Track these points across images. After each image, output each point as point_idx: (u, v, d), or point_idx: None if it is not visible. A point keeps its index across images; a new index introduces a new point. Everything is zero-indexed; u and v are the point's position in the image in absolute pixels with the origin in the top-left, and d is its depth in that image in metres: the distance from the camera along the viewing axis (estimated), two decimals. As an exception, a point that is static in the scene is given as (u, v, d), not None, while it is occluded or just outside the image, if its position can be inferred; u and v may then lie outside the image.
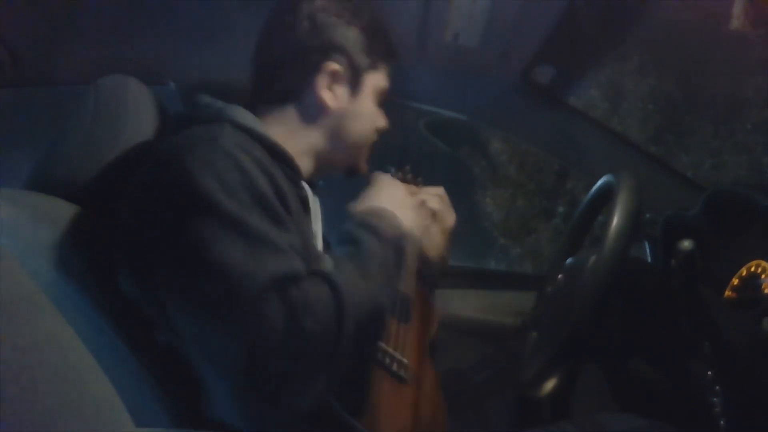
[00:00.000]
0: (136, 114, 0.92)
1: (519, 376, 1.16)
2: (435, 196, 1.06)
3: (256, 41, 0.95)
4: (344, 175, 1.00)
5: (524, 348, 1.23)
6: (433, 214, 1.12)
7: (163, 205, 0.74)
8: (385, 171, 1.07)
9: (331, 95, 0.91)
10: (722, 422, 0.96)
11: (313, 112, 0.92)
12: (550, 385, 1.08)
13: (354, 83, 0.93)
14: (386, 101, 0.99)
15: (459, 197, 1.16)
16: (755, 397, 0.96)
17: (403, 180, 1.17)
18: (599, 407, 1.33)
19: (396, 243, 0.83)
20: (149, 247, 0.75)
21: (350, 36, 0.92)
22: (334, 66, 0.90)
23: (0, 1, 1.17)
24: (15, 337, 0.45)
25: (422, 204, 1.11)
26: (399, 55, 0.99)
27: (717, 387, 0.99)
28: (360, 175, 1.01)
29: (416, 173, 1.19)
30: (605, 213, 1.09)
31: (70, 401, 0.46)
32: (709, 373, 1.01)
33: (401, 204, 0.90)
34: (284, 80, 0.92)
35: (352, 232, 0.82)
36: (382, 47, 0.96)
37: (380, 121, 0.98)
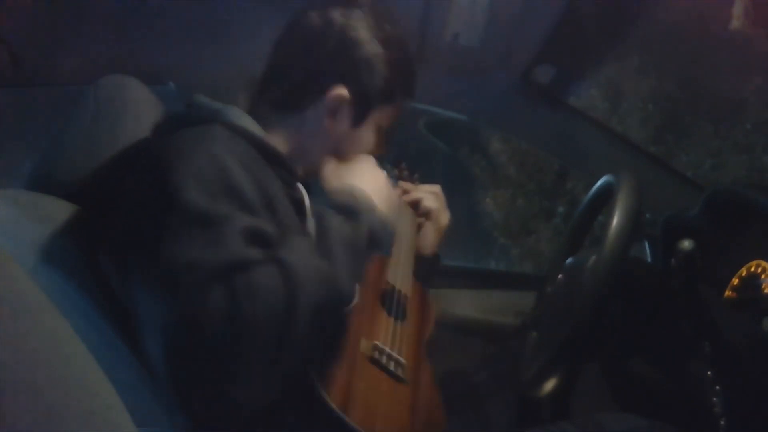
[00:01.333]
0: (136, 114, 0.92)
1: (519, 376, 1.16)
2: (431, 194, 1.05)
3: (276, 40, 0.93)
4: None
5: (524, 348, 1.23)
6: (428, 213, 1.12)
7: (140, 195, 0.75)
8: (382, 167, 1.07)
9: (332, 120, 0.90)
10: (722, 422, 0.96)
11: (310, 129, 0.91)
12: (550, 385, 1.08)
13: (359, 112, 0.91)
14: (391, 132, 0.98)
15: (459, 197, 1.17)
16: (755, 397, 0.96)
17: (400, 177, 1.17)
18: (599, 407, 1.33)
19: (365, 223, 0.80)
20: (124, 235, 0.76)
21: (372, 66, 0.89)
22: (342, 92, 0.88)
23: (0, 1, 1.17)
24: (15, 337, 0.45)
25: (418, 202, 1.11)
26: (415, 94, 0.97)
27: (717, 387, 0.99)
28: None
29: (412, 170, 1.19)
30: (605, 213, 1.09)
31: (69, 401, 0.46)
32: (709, 373, 1.00)
33: (377, 187, 0.87)
34: (293, 90, 0.90)
35: (320, 210, 0.80)
36: (402, 83, 0.93)
37: (378, 148, 0.96)
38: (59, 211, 0.85)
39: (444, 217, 1.10)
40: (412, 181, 1.17)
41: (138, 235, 0.73)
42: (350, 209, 0.81)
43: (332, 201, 0.83)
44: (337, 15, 0.89)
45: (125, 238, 0.76)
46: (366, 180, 0.87)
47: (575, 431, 1.03)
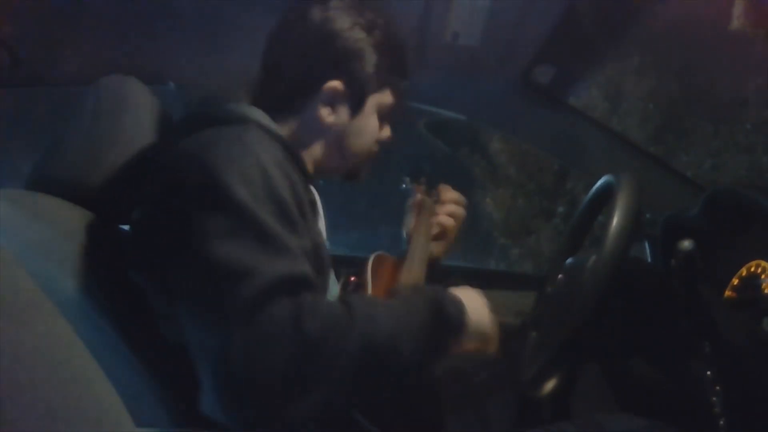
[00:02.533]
0: (136, 114, 0.92)
1: (519, 376, 1.16)
2: (454, 210, 1.06)
3: (265, 44, 0.94)
4: (343, 180, 1.00)
5: (524, 348, 1.23)
6: (447, 229, 1.13)
7: (185, 200, 0.73)
8: (401, 182, 1.07)
9: (330, 113, 0.90)
10: (722, 422, 0.96)
11: (312, 126, 0.91)
12: (550, 385, 1.08)
13: (356, 101, 0.91)
14: (395, 115, 0.98)
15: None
16: (755, 397, 0.96)
17: (418, 191, 1.18)
18: (599, 407, 1.33)
19: (450, 323, 0.81)
20: (166, 243, 0.74)
21: (359, 53, 0.90)
22: (335, 84, 0.89)
23: (0, 1, 1.17)
24: (15, 337, 0.45)
25: (442, 222, 1.11)
26: (410, 74, 0.97)
27: (717, 387, 0.99)
28: (357, 181, 1.01)
29: (431, 185, 1.19)
30: (605, 213, 1.09)
31: (70, 401, 0.46)
32: (709, 373, 1.00)
33: (479, 311, 0.88)
34: (285, 92, 0.91)
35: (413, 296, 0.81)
36: (393, 65, 0.94)
37: (384, 133, 0.97)
38: (59, 211, 0.85)
39: (461, 225, 1.11)
40: (431, 196, 1.17)
41: (181, 234, 0.71)
42: (436, 302, 0.81)
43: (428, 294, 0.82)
44: (315, 11, 0.89)
45: (164, 238, 0.74)
46: (471, 302, 0.87)
47: (574, 430, 1.03)
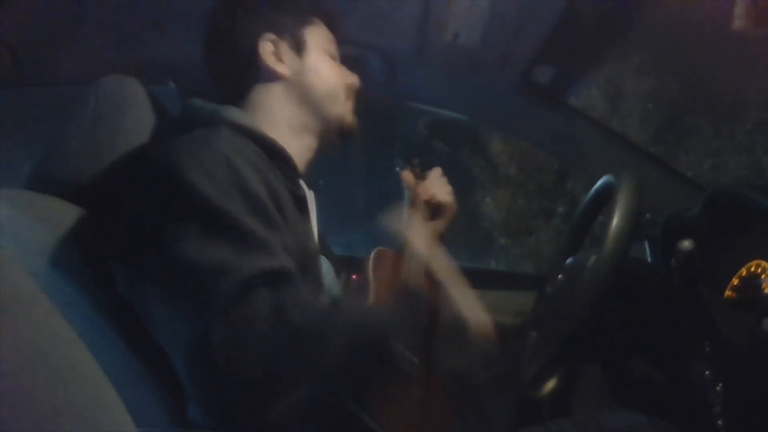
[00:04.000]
0: (136, 114, 0.92)
1: (519, 376, 1.16)
2: (441, 185, 1.07)
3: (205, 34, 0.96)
4: (340, 141, 0.99)
5: (524, 348, 1.23)
6: (443, 205, 1.13)
7: (152, 199, 0.74)
8: (394, 165, 1.06)
9: (279, 63, 0.92)
10: (722, 422, 0.96)
11: (274, 87, 0.92)
12: (550, 385, 1.08)
13: (295, 45, 0.93)
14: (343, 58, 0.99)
15: (459, 197, 1.16)
16: (755, 397, 0.96)
17: (412, 173, 1.17)
18: (599, 407, 1.33)
19: (415, 302, 0.84)
20: (137, 240, 0.75)
21: (271, 4, 0.93)
22: (268, 39, 0.91)
23: (0, 1, 1.17)
24: (15, 337, 0.45)
25: (433, 197, 1.11)
26: (325, 3, 1.00)
27: (717, 387, 0.99)
28: (354, 136, 1.00)
29: (424, 167, 1.19)
30: (605, 213, 1.09)
31: (70, 401, 0.46)
32: (709, 373, 1.00)
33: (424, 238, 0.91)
34: (232, 68, 0.93)
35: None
36: (305, 1, 0.97)
37: (347, 77, 0.98)
38: (59, 211, 0.85)
39: (453, 207, 1.12)
40: (424, 179, 1.17)
41: (153, 237, 0.72)
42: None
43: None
44: None
45: (138, 242, 0.75)
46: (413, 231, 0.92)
47: (574, 429, 1.03)
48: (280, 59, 0.92)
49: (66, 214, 0.85)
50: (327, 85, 0.95)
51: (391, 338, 0.76)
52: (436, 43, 1.40)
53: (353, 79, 0.99)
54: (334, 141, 0.98)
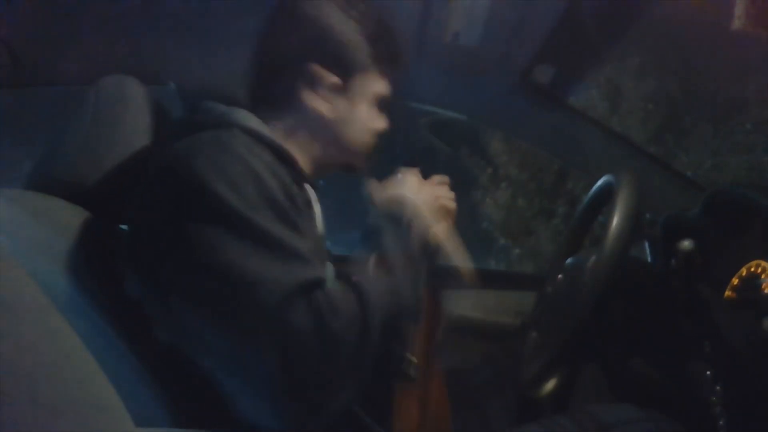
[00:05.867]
0: (136, 114, 0.92)
1: (519, 376, 1.16)
2: (446, 191, 1.06)
3: (256, 41, 0.93)
4: (343, 172, 1.00)
5: (524, 348, 1.23)
6: (446, 210, 1.13)
7: (176, 211, 0.73)
8: (394, 164, 1.06)
9: (322, 102, 0.90)
10: (722, 422, 0.96)
11: (305, 119, 0.90)
12: (550, 385, 1.08)
13: (345, 89, 0.91)
14: (389, 105, 0.98)
15: (459, 197, 1.16)
16: (755, 397, 0.96)
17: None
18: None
19: (420, 238, 0.83)
20: (161, 254, 0.74)
21: (340, 38, 0.89)
22: (321, 72, 0.88)
23: (0, 1, 1.17)
24: (15, 337, 0.45)
25: (437, 199, 1.11)
26: (404, 62, 0.97)
27: (717, 387, 0.99)
28: (359, 173, 1.01)
29: (424, 177, 1.19)
30: (605, 213, 1.09)
31: (70, 401, 0.46)
32: (709, 372, 1.00)
33: (423, 196, 0.90)
34: (276, 85, 0.90)
35: (377, 225, 0.83)
36: (385, 54, 0.93)
37: (380, 123, 0.97)
38: (59, 211, 0.85)
39: (451, 205, 1.12)
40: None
41: (181, 254, 0.72)
42: (399, 219, 0.83)
43: (382, 212, 0.85)
44: (306, 5, 0.90)
45: (162, 256, 0.74)
46: (411, 189, 0.90)
47: (570, 424, 1.03)
48: (326, 97, 0.90)
49: (66, 214, 0.85)
50: (361, 135, 0.94)
51: (411, 311, 0.80)
52: (436, 43, 1.40)
53: (383, 124, 0.97)
54: (336, 170, 0.99)
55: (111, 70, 0.95)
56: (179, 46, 1.33)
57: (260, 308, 0.67)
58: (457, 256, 0.93)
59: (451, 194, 1.04)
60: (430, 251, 0.85)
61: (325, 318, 0.67)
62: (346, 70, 0.91)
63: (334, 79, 0.89)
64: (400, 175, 0.93)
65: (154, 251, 0.75)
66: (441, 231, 0.93)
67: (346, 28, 0.90)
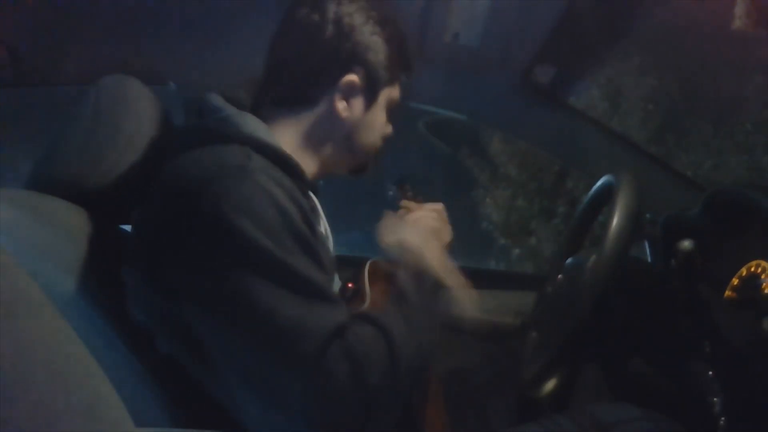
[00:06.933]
0: (136, 114, 0.92)
1: (519, 376, 1.16)
2: (433, 212, 1.06)
3: (271, 37, 0.93)
4: (348, 175, 1.00)
5: (524, 348, 1.23)
6: (432, 231, 1.12)
7: (202, 247, 0.72)
8: (386, 190, 1.07)
9: (346, 106, 0.90)
10: (722, 422, 0.96)
11: (324, 121, 0.90)
12: (550, 385, 1.08)
13: (370, 95, 0.92)
14: (396, 110, 0.99)
15: (459, 197, 1.16)
16: (755, 397, 0.96)
17: (404, 197, 1.18)
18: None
19: (432, 286, 0.84)
20: (185, 289, 0.73)
21: (374, 47, 0.90)
22: (353, 78, 0.89)
23: (0, 1, 1.17)
24: (15, 337, 0.45)
25: (419, 220, 1.10)
26: (415, 67, 0.98)
27: (717, 387, 0.99)
28: (363, 175, 1.01)
29: (416, 191, 1.19)
30: (605, 213, 1.09)
31: (69, 401, 0.46)
32: (709, 372, 1.00)
33: (431, 246, 0.90)
34: (300, 85, 0.90)
35: (397, 275, 0.83)
36: (402, 59, 0.95)
37: (387, 128, 0.98)
38: (59, 211, 0.85)
39: (446, 235, 1.11)
40: (416, 202, 1.17)
41: (210, 294, 0.71)
42: (417, 272, 0.84)
43: (402, 262, 0.86)
44: (330, 5, 0.89)
45: (188, 292, 0.73)
46: (410, 233, 0.90)
47: (570, 424, 1.03)
48: (348, 101, 0.90)
49: (66, 214, 0.85)
50: (374, 139, 0.95)
51: (431, 335, 0.81)
52: (436, 43, 1.40)
53: (390, 129, 0.99)
54: (343, 172, 0.99)
55: (111, 70, 0.95)
56: (180, 45, 1.33)
57: (299, 356, 0.68)
58: (459, 293, 0.94)
59: (447, 226, 1.04)
60: (439, 294, 0.86)
61: (360, 365, 0.69)
62: (379, 81, 0.91)
63: (362, 85, 0.90)
64: (399, 214, 0.96)
65: (181, 288, 0.73)
66: (441, 265, 0.93)
67: (383, 42, 0.91)
